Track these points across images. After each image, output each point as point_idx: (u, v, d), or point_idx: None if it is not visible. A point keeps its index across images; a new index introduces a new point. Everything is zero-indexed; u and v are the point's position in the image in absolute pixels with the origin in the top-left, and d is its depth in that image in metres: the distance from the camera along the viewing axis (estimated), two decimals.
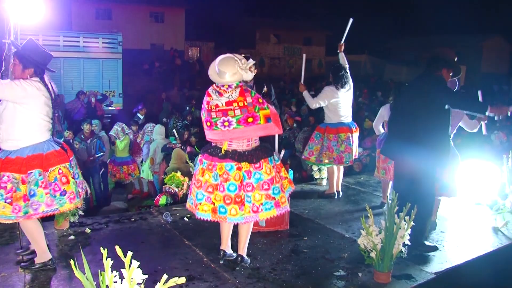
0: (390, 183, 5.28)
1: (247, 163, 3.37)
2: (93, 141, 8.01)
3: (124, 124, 8.68)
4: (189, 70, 21.89)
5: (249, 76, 3.43)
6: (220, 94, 3.36)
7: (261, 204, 3.38)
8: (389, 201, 3.48)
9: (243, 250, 3.65)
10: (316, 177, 6.43)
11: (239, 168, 3.37)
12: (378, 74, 26.47)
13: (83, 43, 14.51)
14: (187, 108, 13.27)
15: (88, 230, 4.29)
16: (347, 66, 5.52)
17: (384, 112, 5.39)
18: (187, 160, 6.60)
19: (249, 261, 3.69)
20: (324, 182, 6.40)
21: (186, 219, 4.76)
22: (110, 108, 14.20)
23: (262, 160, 3.42)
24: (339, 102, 5.48)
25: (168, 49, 24.45)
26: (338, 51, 5.64)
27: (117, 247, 2.05)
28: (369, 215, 3.45)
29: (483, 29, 28.73)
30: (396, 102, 4.18)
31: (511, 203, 4.96)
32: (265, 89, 4.49)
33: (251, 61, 3.46)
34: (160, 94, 16.23)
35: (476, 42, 27.62)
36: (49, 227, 4.29)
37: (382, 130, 5.48)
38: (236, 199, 3.37)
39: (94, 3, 25.09)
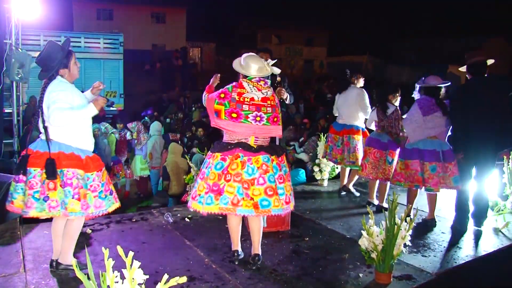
0: (377, 182, 5.34)
1: (276, 156, 3.49)
2: None
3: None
4: (190, 70, 21.92)
5: (277, 70, 3.61)
6: (258, 89, 3.47)
7: (290, 194, 3.55)
8: (390, 202, 3.48)
9: (258, 249, 3.70)
10: (317, 178, 6.43)
11: (272, 160, 3.47)
12: (379, 75, 26.46)
13: (84, 44, 14.53)
14: (194, 108, 13.38)
15: (89, 231, 4.29)
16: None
17: (373, 115, 5.45)
18: (186, 156, 6.68)
19: (261, 258, 3.74)
20: (325, 183, 6.40)
21: (187, 219, 4.76)
22: (111, 108, 14.22)
23: (283, 155, 3.60)
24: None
25: (169, 50, 24.45)
26: None
27: (118, 247, 2.06)
28: (370, 216, 3.45)
29: (485, 30, 28.71)
30: (464, 105, 4.55)
31: (511, 204, 4.96)
32: (278, 78, 4.57)
33: (271, 61, 3.61)
34: (161, 94, 16.29)
35: (477, 44, 27.57)
36: (50, 228, 4.29)
37: (374, 128, 5.62)
38: (276, 190, 3.43)
39: (95, 4, 25.13)
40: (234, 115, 3.39)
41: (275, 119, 3.49)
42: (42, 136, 3.30)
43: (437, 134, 4.66)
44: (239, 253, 3.72)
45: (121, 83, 15.15)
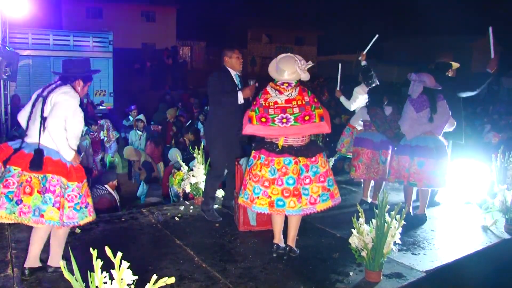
0: (372, 182, 5.36)
1: (304, 157, 3.55)
2: None
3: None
4: (181, 69, 21.81)
5: (306, 76, 3.64)
6: (280, 92, 3.58)
7: (319, 195, 3.58)
8: (380, 200, 3.49)
9: (292, 241, 3.80)
10: None
11: (296, 163, 3.55)
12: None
13: (73, 42, 14.39)
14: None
15: (78, 231, 4.24)
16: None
17: (361, 113, 5.45)
18: (177, 155, 6.78)
19: (298, 251, 3.83)
20: None
21: (177, 218, 4.74)
22: (101, 107, 14.13)
23: (318, 154, 3.60)
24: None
25: (159, 48, 24.31)
26: (361, 59, 6.15)
27: (106, 248, 2.04)
28: (360, 214, 3.46)
29: (473, 29, 28.95)
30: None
31: (500, 202, 5.00)
32: (251, 82, 4.50)
33: (310, 63, 3.67)
34: (151, 93, 16.23)
35: (466, 42, 27.82)
36: None
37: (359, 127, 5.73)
38: (295, 192, 3.55)
39: (84, 2, 24.92)
40: (263, 119, 3.56)
41: (307, 118, 3.50)
42: (27, 139, 3.20)
43: (432, 129, 4.71)
44: (279, 246, 3.82)
45: (110, 82, 15.05)
